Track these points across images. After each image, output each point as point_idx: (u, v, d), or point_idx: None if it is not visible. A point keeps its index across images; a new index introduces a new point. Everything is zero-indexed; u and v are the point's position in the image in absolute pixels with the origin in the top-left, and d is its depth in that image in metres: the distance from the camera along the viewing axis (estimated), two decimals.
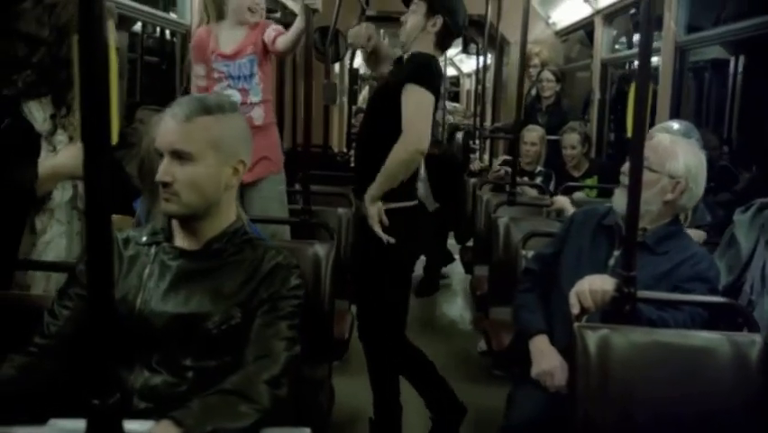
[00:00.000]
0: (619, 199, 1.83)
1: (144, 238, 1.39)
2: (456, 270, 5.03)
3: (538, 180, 3.94)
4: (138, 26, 4.34)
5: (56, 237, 1.80)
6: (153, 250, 1.37)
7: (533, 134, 4.10)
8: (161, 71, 5.09)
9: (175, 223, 1.39)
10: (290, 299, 1.35)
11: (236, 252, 1.38)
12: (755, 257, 1.87)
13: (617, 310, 1.50)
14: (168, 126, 1.33)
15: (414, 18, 2.33)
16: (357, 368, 2.94)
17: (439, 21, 2.31)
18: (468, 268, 4.12)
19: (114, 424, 0.79)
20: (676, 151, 1.82)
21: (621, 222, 1.83)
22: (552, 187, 3.94)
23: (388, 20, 7.23)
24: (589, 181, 3.89)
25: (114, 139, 0.72)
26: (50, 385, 1.27)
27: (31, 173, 1.64)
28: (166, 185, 1.31)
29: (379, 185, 2.26)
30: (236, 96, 2.53)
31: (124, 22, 3.96)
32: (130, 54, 4.61)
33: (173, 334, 1.30)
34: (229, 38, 2.59)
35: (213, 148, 1.33)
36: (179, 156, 1.31)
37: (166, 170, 1.31)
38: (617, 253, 1.83)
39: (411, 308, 3.37)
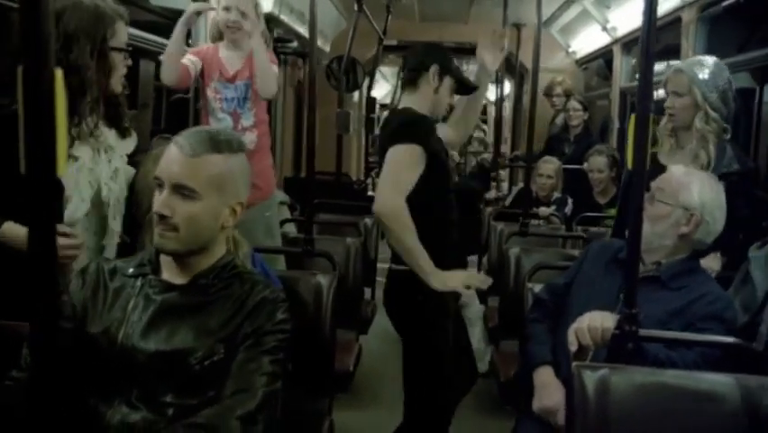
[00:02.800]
0: None
1: (131, 270, 1.37)
2: None
3: (552, 208, 3.87)
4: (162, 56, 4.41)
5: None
6: (139, 282, 1.34)
7: (548, 166, 4.04)
8: (185, 100, 5.16)
9: (164, 255, 1.36)
10: (275, 333, 1.31)
11: (224, 287, 1.34)
12: None
13: (620, 349, 1.43)
14: (173, 158, 1.29)
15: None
16: (362, 402, 2.89)
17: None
18: (482, 298, 4.04)
19: None
20: (690, 182, 1.77)
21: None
22: (568, 210, 3.88)
23: (406, 49, 7.29)
24: (612, 211, 3.80)
25: (62, 170, 0.70)
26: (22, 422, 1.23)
27: None
28: (163, 218, 1.27)
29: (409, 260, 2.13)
30: (228, 121, 2.55)
31: (150, 52, 4.03)
32: (156, 83, 4.69)
33: (154, 369, 1.26)
34: (231, 59, 2.62)
35: (216, 188, 1.30)
36: (181, 191, 1.28)
37: (166, 202, 1.27)
38: None
39: None
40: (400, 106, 2.35)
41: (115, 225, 1.83)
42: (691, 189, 1.75)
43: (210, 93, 2.58)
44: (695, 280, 1.76)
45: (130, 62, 1.84)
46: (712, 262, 2.12)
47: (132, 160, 1.93)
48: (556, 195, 4.06)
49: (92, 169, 1.72)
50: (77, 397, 1.24)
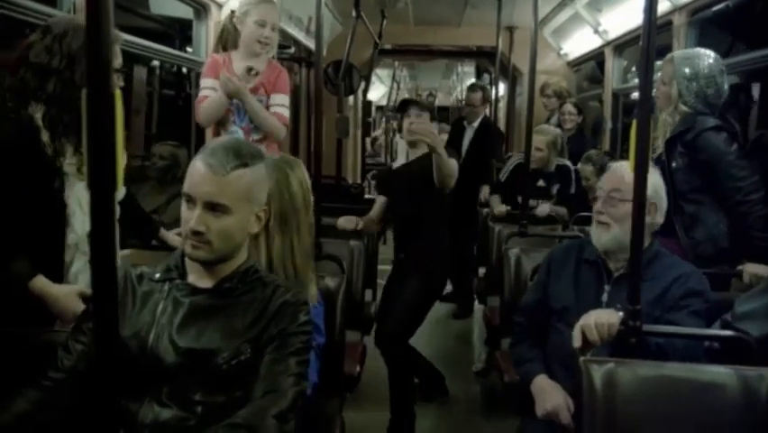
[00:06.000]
0: (604, 237, 1.85)
1: (158, 275, 1.42)
2: None
3: (554, 189, 3.81)
4: (155, 61, 4.46)
5: (82, 269, 1.82)
6: (167, 287, 1.40)
7: (538, 138, 3.75)
8: (178, 106, 5.19)
9: (190, 261, 1.41)
10: (299, 335, 1.37)
11: (247, 290, 1.40)
12: None
13: (624, 343, 1.50)
14: (203, 176, 1.33)
15: None
16: (369, 401, 2.95)
17: None
18: (481, 298, 4.11)
19: None
20: None
21: (604, 256, 1.87)
22: (572, 188, 3.83)
23: (402, 52, 7.38)
24: None
25: (120, 186, 0.76)
26: (62, 421, 1.29)
27: (23, 270, 1.65)
28: (197, 233, 1.33)
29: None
30: (239, 133, 2.61)
31: (142, 58, 4.07)
32: (147, 88, 4.74)
33: (184, 369, 1.32)
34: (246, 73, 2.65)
35: (245, 199, 1.36)
36: (214, 207, 1.33)
37: (200, 220, 1.33)
38: (608, 287, 1.84)
39: (434, 339, 3.86)
40: None
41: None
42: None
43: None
44: (662, 264, 1.83)
45: (122, 84, 1.88)
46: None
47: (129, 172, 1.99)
48: (558, 162, 3.86)
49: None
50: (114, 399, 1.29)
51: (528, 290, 2.12)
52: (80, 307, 1.64)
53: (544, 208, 3.75)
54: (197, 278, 1.40)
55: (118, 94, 0.75)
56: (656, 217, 1.85)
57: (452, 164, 2.85)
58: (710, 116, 2.38)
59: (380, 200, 3.27)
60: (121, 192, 1.92)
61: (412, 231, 3.11)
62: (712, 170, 2.34)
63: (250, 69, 2.58)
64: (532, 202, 3.74)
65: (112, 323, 0.80)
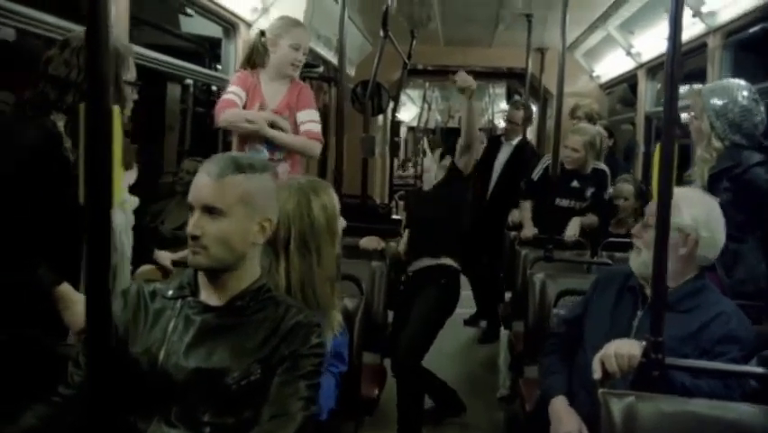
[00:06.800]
0: (634, 262, 1.82)
1: (170, 292, 1.42)
2: None
3: (588, 192, 3.65)
4: (188, 80, 4.54)
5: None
6: (179, 304, 1.40)
7: (575, 138, 3.58)
8: (209, 123, 5.25)
9: (202, 278, 1.41)
10: (310, 357, 1.35)
11: (259, 309, 1.39)
12: None
13: (645, 376, 1.44)
14: (201, 182, 1.36)
15: None
16: (387, 424, 2.90)
17: None
18: (506, 323, 4.03)
19: None
20: (678, 204, 1.72)
21: (642, 281, 1.80)
22: (607, 194, 3.71)
23: (431, 73, 7.38)
24: None
25: (116, 202, 0.75)
26: None
27: (47, 277, 1.67)
28: (195, 238, 1.34)
29: None
30: (264, 153, 2.63)
31: (176, 77, 4.14)
32: (180, 105, 4.81)
33: (193, 388, 1.30)
34: (274, 93, 2.67)
35: (242, 204, 1.36)
36: (210, 211, 1.34)
37: (196, 223, 1.34)
38: (640, 313, 1.77)
39: (458, 364, 3.95)
40: None
41: (127, 250, 1.94)
42: (681, 210, 1.73)
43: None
44: (706, 299, 1.74)
45: (136, 96, 1.91)
46: None
47: (152, 186, 2.02)
48: (594, 165, 3.66)
49: None
50: (119, 414, 1.28)
51: (575, 305, 2.07)
52: None
53: (572, 229, 3.57)
54: (209, 295, 1.40)
55: (116, 109, 0.74)
56: (698, 250, 1.75)
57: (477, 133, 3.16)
58: (755, 150, 2.32)
59: (408, 234, 3.31)
60: (134, 202, 1.96)
61: (429, 247, 3.14)
62: (760, 205, 2.28)
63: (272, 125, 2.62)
64: (563, 202, 3.66)
65: (106, 341, 0.78)
